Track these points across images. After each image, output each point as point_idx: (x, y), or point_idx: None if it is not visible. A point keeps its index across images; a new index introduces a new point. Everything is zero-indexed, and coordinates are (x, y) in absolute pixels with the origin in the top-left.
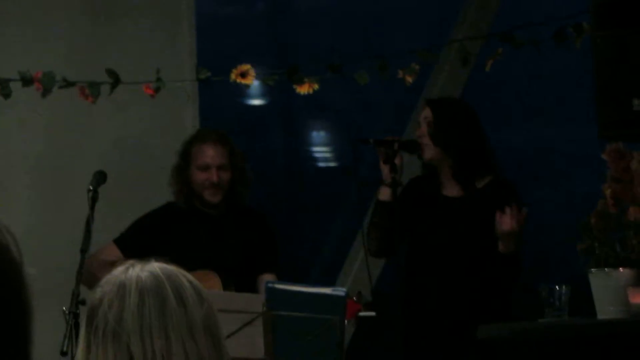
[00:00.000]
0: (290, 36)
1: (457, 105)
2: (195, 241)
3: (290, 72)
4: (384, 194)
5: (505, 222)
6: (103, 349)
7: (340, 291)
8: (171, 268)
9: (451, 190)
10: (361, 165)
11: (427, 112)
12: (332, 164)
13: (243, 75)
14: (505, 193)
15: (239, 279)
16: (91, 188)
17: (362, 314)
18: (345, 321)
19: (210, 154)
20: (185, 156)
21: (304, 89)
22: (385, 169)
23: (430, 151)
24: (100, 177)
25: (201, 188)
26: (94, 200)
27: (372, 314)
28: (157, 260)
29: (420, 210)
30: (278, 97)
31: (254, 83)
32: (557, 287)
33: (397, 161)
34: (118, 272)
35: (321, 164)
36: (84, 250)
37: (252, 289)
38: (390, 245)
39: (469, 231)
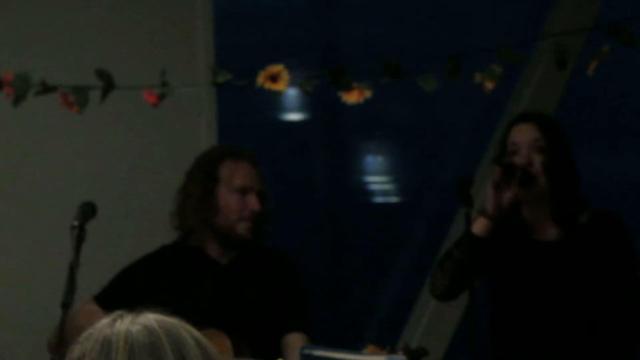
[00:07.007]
0: (337, 29)
1: (560, 125)
2: (200, 294)
3: (335, 75)
4: (480, 226)
5: None
6: None
7: None
8: (171, 320)
9: (546, 232)
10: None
11: (533, 132)
12: (391, 199)
13: (274, 79)
14: (614, 229)
15: (255, 342)
16: (76, 224)
17: None
18: None
19: (250, 173)
20: (212, 175)
21: (352, 97)
22: (493, 197)
23: (541, 185)
24: (88, 210)
25: (235, 218)
26: (79, 240)
27: None
28: (151, 310)
29: (507, 258)
30: (319, 108)
31: (287, 89)
32: None
33: (509, 192)
34: (102, 324)
35: (377, 199)
36: (66, 305)
37: (273, 354)
38: (460, 289)
39: (583, 282)
